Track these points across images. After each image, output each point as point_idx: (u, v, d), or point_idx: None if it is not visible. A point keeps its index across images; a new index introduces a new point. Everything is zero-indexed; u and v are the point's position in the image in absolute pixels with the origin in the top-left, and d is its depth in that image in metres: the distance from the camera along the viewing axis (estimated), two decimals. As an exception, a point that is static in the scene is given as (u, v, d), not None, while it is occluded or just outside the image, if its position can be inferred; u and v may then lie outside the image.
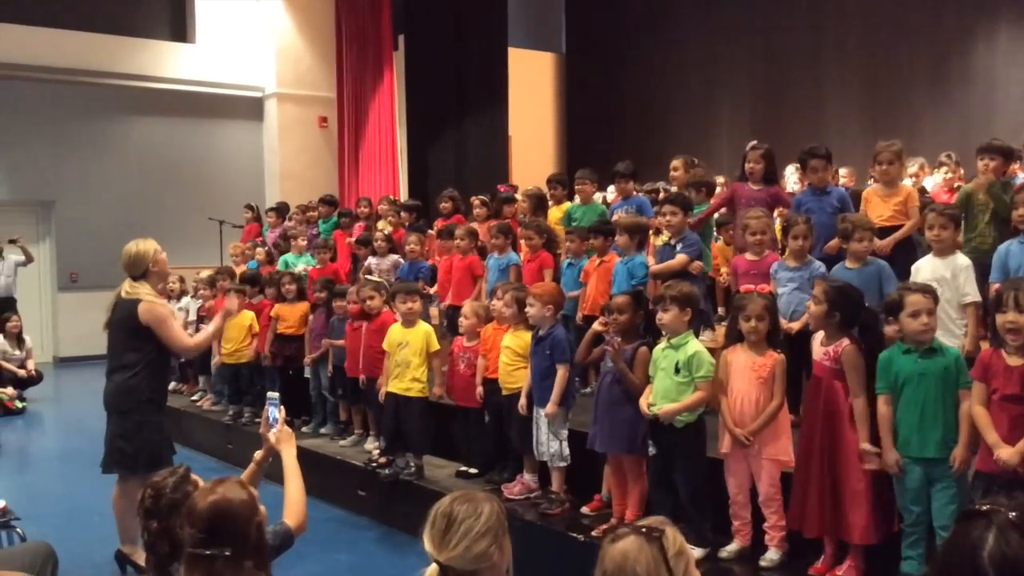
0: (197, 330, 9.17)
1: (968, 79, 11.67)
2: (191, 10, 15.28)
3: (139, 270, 5.05)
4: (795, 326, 5.18)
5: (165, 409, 5.40)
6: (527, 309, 5.44)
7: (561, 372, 5.29)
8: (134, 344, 5.00)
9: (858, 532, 4.06)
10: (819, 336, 4.34)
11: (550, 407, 5.28)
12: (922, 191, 7.36)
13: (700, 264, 6.02)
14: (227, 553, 2.43)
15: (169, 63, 14.87)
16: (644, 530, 2.05)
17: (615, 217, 7.12)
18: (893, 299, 4.06)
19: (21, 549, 4.03)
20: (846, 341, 4.17)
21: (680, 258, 6.01)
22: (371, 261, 8.86)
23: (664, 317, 4.64)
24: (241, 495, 2.53)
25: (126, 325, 5.01)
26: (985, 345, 4.41)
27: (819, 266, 5.35)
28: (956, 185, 7.66)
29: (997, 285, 4.64)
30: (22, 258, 12.90)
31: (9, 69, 13.59)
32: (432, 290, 8.26)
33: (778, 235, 6.54)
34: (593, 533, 4.94)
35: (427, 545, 2.23)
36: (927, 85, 12.00)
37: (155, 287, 5.17)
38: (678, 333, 4.64)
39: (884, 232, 5.61)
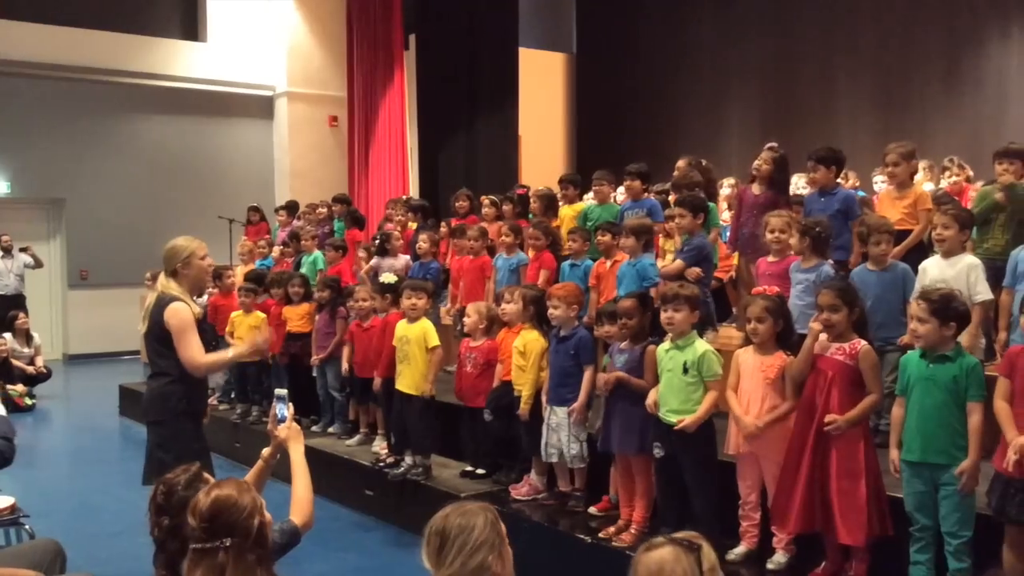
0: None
1: (980, 81, 11.59)
2: (203, 9, 15.35)
3: (169, 266, 4.67)
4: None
5: (204, 419, 4.86)
6: (551, 311, 5.38)
7: (587, 374, 5.25)
8: (164, 350, 4.60)
9: (844, 532, 4.02)
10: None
11: (578, 409, 5.22)
12: (946, 195, 7.27)
13: (697, 270, 5.89)
14: (227, 544, 2.45)
15: (181, 62, 14.92)
16: (684, 542, 2.05)
17: (625, 219, 7.09)
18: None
19: (30, 546, 4.03)
20: (863, 341, 4.18)
21: (676, 263, 5.97)
22: (376, 262, 8.76)
23: (676, 317, 4.60)
24: (243, 492, 2.57)
25: (156, 330, 4.60)
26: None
27: (828, 269, 5.20)
28: (965, 188, 7.61)
29: (1010, 290, 4.62)
30: (31, 260, 13.08)
31: (20, 67, 13.66)
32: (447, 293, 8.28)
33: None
34: (601, 535, 4.93)
35: (425, 563, 2.24)
36: (939, 87, 11.92)
37: (187, 289, 4.69)
38: (684, 334, 4.63)
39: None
